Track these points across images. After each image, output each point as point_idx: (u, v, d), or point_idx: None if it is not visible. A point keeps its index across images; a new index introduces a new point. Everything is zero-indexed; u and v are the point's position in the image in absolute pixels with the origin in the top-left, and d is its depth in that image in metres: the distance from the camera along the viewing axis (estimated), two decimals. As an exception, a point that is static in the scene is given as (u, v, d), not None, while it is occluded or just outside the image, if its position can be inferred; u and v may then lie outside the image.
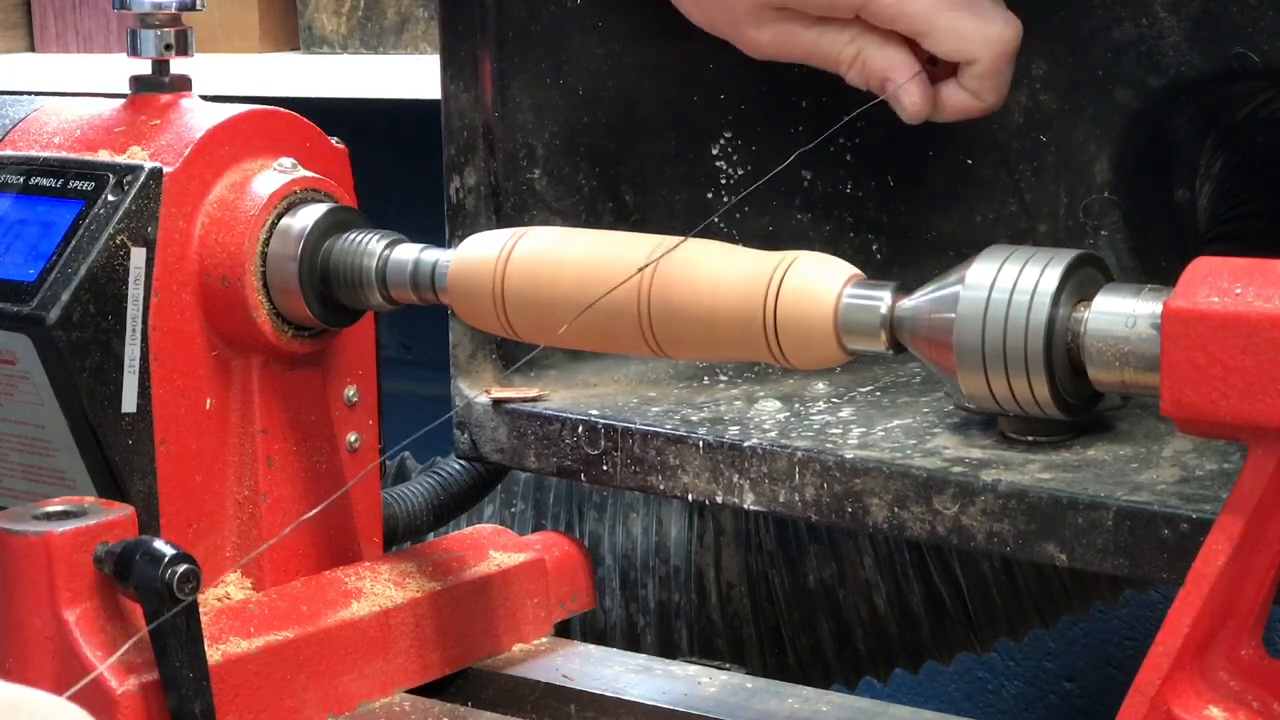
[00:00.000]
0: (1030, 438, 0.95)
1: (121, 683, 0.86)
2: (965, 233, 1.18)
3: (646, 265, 0.91)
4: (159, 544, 0.86)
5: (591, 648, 1.09)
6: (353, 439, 1.04)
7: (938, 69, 1.05)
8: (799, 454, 0.97)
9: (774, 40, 1.05)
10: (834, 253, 0.89)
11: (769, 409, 1.05)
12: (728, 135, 1.15)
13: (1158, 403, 0.76)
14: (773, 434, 1.01)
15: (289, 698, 0.95)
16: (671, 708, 1.01)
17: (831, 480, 0.96)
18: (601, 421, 1.05)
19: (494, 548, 1.08)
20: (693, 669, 1.05)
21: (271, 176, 0.98)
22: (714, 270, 0.90)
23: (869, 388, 1.09)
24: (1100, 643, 2.00)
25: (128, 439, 0.95)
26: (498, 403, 1.09)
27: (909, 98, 1.04)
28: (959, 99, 1.05)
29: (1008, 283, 0.86)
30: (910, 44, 1.04)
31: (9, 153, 1.01)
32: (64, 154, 0.99)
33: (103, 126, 1.00)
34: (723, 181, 1.15)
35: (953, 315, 0.87)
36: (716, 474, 1.00)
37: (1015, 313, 0.86)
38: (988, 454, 0.95)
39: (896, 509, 0.94)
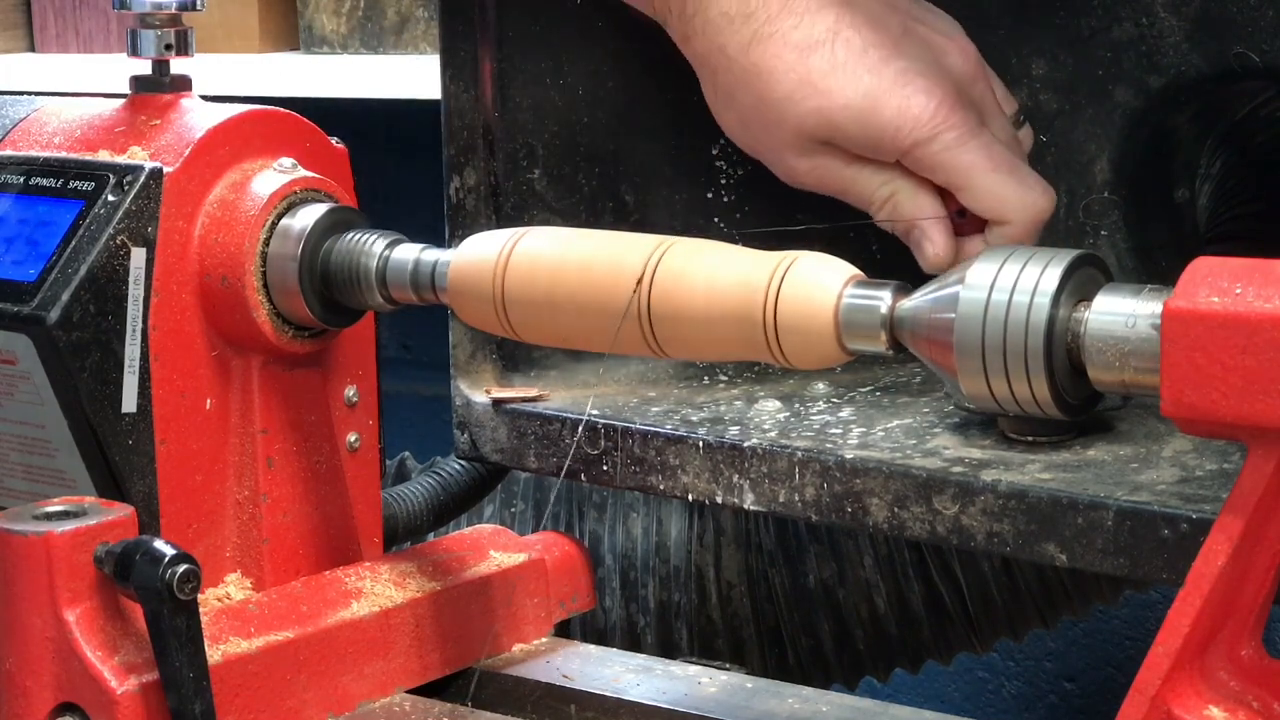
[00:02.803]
0: (1030, 438, 0.95)
1: (121, 683, 0.86)
2: (965, 233, 1.18)
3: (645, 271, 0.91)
4: (159, 544, 0.86)
5: (591, 648, 1.09)
6: (353, 439, 1.04)
7: (964, 221, 1.06)
8: (799, 454, 0.97)
9: (813, 171, 1.06)
10: (834, 253, 0.89)
11: (769, 409, 1.05)
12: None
13: (1158, 403, 0.76)
14: (773, 434, 1.01)
15: (289, 698, 0.95)
16: (671, 708, 1.00)
17: (831, 480, 0.96)
18: (601, 421, 1.05)
19: (494, 548, 1.08)
20: (693, 669, 1.05)
21: (271, 176, 0.98)
22: (714, 270, 0.89)
23: (869, 388, 1.09)
24: (1100, 643, 2.00)
25: (128, 439, 0.95)
26: (498, 403, 1.09)
27: (932, 246, 1.06)
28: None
29: (1008, 283, 0.86)
30: (943, 194, 1.05)
31: (9, 153, 1.01)
32: (64, 154, 0.99)
33: (103, 126, 1.00)
34: (723, 181, 1.15)
35: (953, 315, 0.87)
36: (716, 474, 1.00)
37: (1015, 313, 0.86)
38: (988, 454, 0.95)
39: (896, 509, 0.94)
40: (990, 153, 1.03)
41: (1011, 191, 1.03)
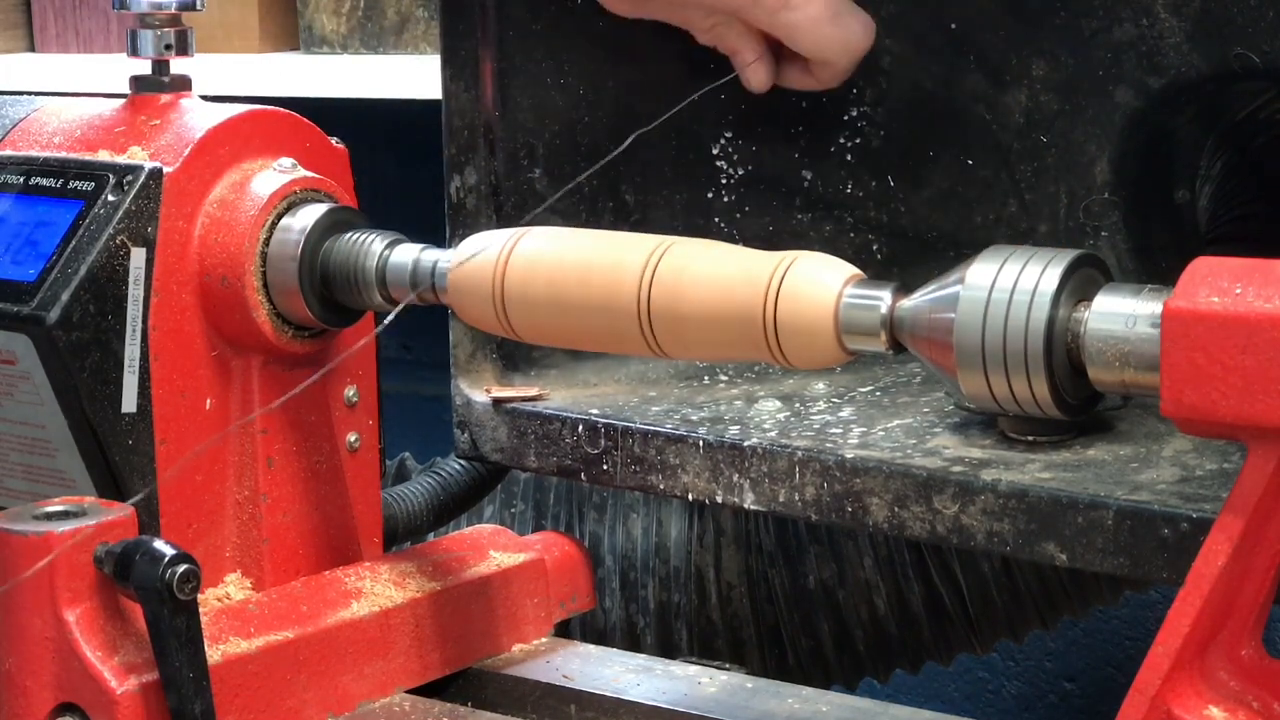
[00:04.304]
0: (1030, 438, 0.95)
1: (121, 683, 0.86)
2: (965, 233, 1.18)
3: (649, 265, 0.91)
4: (159, 544, 0.86)
5: (591, 648, 1.09)
6: (353, 439, 1.04)
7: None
8: (799, 454, 0.97)
9: (631, 8, 1.10)
10: (834, 253, 0.89)
11: (769, 409, 1.05)
12: (728, 135, 1.15)
13: (1158, 403, 0.76)
14: (773, 434, 1.01)
15: (289, 698, 0.95)
16: (671, 708, 1.00)
17: (831, 480, 0.96)
18: (601, 421, 1.05)
19: (494, 548, 1.08)
20: (693, 669, 1.05)
21: (271, 176, 0.98)
22: (714, 270, 0.90)
23: (869, 388, 1.09)
24: (1100, 643, 2.00)
25: (128, 439, 0.95)
26: (498, 402, 1.09)
27: (752, 77, 1.11)
28: (802, 80, 1.12)
29: (1008, 283, 0.86)
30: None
31: (9, 153, 1.01)
32: (64, 154, 0.99)
33: (103, 126, 1.00)
34: (723, 181, 1.15)
35: (953, 315, 0.87)
36: (716, 474, 1.00)
37: (1015, 313, 0.86)
38: (988, 454, 0.95)
39: (896, 509, 0.94)
40: (810, 9, 1.07)
41: (831, 43, 1.09)
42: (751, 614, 1.45)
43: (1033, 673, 2.06)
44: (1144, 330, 0.82)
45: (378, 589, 1.01)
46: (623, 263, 0.91)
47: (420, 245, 0.98)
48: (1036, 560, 0.90)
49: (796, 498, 0.97)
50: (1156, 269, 1.15)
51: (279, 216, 0.98)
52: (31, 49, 2.31)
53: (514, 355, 1.12)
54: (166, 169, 0.96)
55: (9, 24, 2.29)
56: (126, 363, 0.94)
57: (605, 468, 1.04)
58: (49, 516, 0.88)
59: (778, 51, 1.11)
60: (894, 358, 0.90)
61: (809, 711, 1.00)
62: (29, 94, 1.08)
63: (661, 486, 1.02)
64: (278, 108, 1.02)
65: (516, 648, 1.07)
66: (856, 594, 1.44)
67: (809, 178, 1.17)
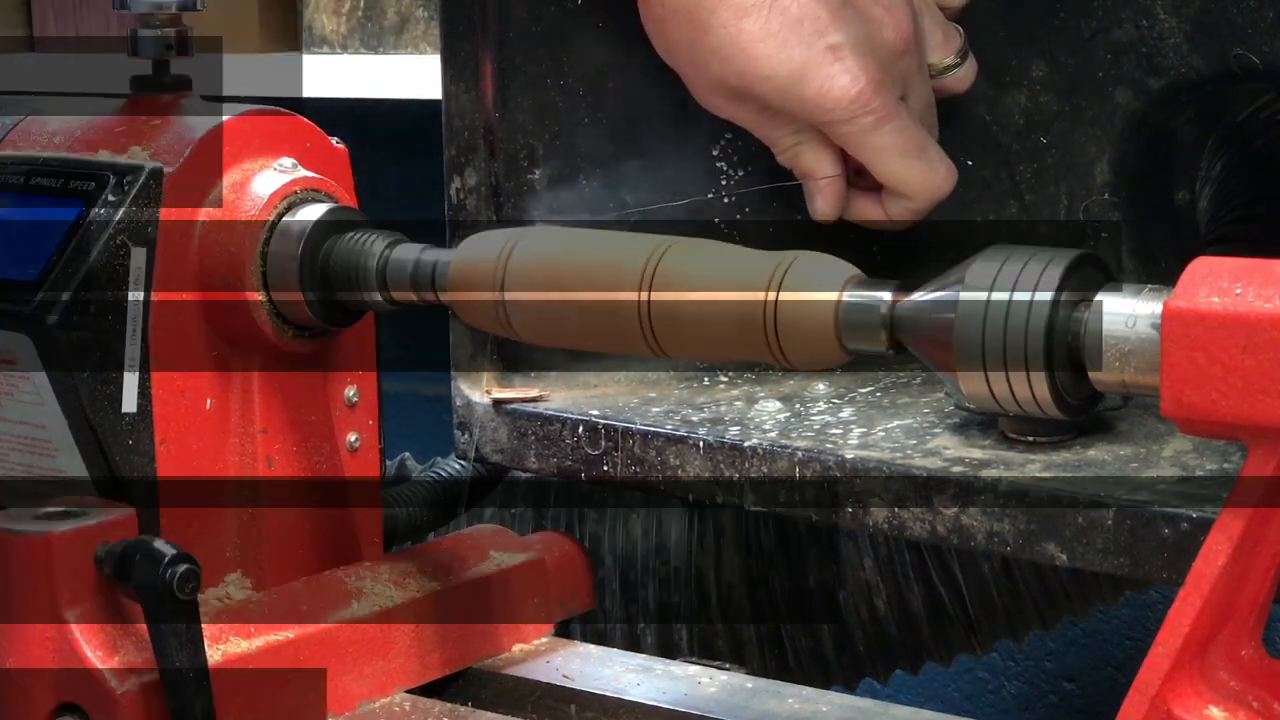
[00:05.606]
0: (1030, 438, 0.95)
1: (121, 683, 0.86)
2: (965, 233, 1.18)
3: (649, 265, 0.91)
4: (159, 544, 0.86)
5: (591, 648, 1.09)
6: (353, 439, 1.04)
7: (862, 179, 1.10)
8: (799, 454, 0.97)
9: (725, 108, 1.09)
10: (834, 253, 0.89)
11: (769, 409, 1.05)
12: (728, 135, 1.15)
13: (1158, 403, 0.76)
14: (773, 434, 1.01)
15: (289, 698, 0.95)
16: (671, 708, 1.00)
17: (832, 481, 0.96)
18: (602, 422, 1.05)
19: (494, 548, 1.08)
20: (693, 669, 1.05)
21: (271, 176, 0.98)
22: (714, 270, 0.89)
23: (869, 388, 1.09)
24: (1100, 643, 2.00)
25: (128, 439, 0.95)
26: (498, 403, 1.09)
27: (822, 202, 1.10)
28: (872, 211, 1.11)
29: (1008, 283, 0.86)
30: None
31: (9, 153, 1.01)
32: (64, 154, 0.99)
33: (103, 126, 1.00)
34: (723, 182, 1.15)
35: (953, 315, 0.87)
36: (717, 475, 1.00)
37: (1015, 313, 0.86)
38: (988, 454, 0.95)
39: (896, 509, 0.94)
40: (902, 136, 1.06)
41: (915, 175, 1.07)
42: (751, 614, 1.45)
43: (1033, 673, 2.06)
44: (1144, 330, 0.82)
45: (378, 589, 1.01)
46: (623, 263, 0.91)
47: (420, 245, 0.98)
48: (1036, 560, 0.90)
49: (796, 498, 0.97)
50: (1156, 269, 1.15)
51: (279, 216, 0.98)
52: (31, 49, 2.31)
53: (514, 356, 1.12)
54: (167, 169, 0.96)
55: (9, 24, 2.29)
56: (126, 363, 0.94)
57: (605, 468, 1.04)
58: (49, 516, 0.88)
59: (851, 183, 1.11)
60: (894, 358, 0.90)
61: (809, 711, 1.00)
62: (29, 94, 1.08)
63: (662, 487, 1.02)
64: (278, 108, 1.02)
65: (516, 648, 1.07)
66: (856, 594, 1.44)
67: (809, 178, 1.17)
